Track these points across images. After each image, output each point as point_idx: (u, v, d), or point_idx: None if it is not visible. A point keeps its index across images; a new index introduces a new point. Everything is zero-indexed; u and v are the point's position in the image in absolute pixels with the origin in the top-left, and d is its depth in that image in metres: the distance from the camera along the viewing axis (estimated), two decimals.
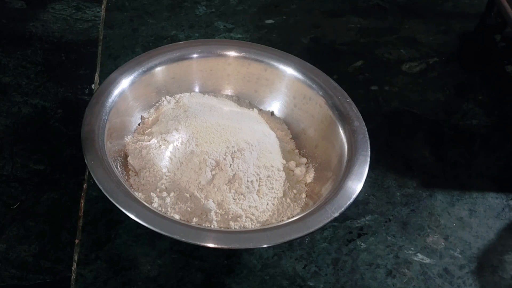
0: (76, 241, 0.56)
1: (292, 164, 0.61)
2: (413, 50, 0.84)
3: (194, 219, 0.53)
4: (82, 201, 0.59)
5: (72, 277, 0.54)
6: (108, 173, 0.52)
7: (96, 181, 0.51)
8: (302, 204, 0.58)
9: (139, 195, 0.55)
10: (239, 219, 0.54)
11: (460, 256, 0.59)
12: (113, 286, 0.53)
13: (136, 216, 0.49)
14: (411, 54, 0.83)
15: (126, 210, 0.49)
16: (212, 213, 0.54)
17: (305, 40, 0.83)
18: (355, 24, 0.87)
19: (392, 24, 0.88)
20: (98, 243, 0.56)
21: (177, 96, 0.66)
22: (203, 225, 0.53)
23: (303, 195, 0.59)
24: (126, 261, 0.55)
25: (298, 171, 0.61)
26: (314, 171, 0.61)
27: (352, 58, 0.81)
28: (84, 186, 0.61)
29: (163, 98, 0.65)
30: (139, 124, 0.63)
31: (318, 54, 0.81)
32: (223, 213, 0.54)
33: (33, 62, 0.79)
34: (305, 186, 0.60)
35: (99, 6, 0.87)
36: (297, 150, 0.64)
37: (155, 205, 0.54)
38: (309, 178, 0.61)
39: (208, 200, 0.54)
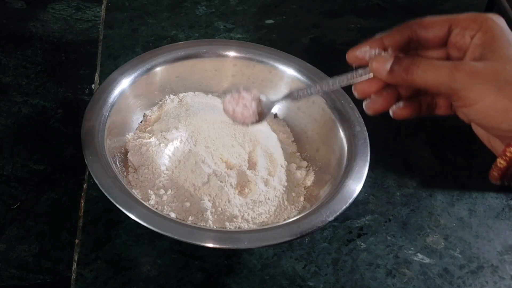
0: (76, 241, 0.56)
1: (292, 166, 0.61)
2: None
3: (190, 218, 0.53)
4: (82, 201, 0.60)
5: (72, 277, 0.54)
6: (105, 169, 0.52)
7: (93, 176, 0.51)
8: (300, 207, 0.58)
9: (136, 192, 0.55)
10: (234, 219, 0.54)
11: (460, 256, 0.59)
12: (113, 286, 0.53)
13: (135, 215, 0.49)
14: None
15: (124, 208, 0.49)
16: (208, 213, 0.53)
17: (305, 40, 0.83)
18: (355, 24, 0.87)
19: (392, 24, 0.88)
20: (98, 243, 0.56)
21: (181, 95, 0.66)
22: (199, 224, 0.53)
23: (301, 198, 0.59)
24: (126, 261, 0.55)
25: (299, 174, 0.61)
26: (314, 174, 0.61)
27: None
28: (84, 186, 0.61)
29: (167, 97, 0.65)
30: (141, 122, 0.64)
31: (318, 54, 0.81)
32: (219, 213, 0.54)
33: (33, 62, 0.79)
34: (304, 189, 0.60)
35: (99, 6, 0.87)
36: (299, 153, 0.64)
37: (151, 202, 0.54)
38: (309, 181, 0.61)
39: (204, 199, 0.54)
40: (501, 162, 0.43)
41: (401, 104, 0.48)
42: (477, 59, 0.42)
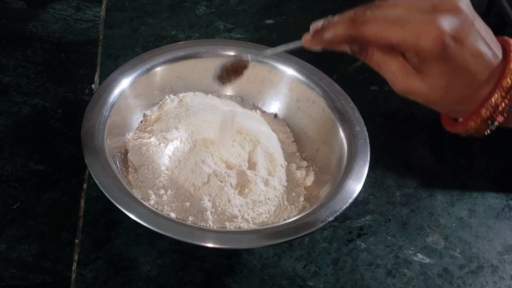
0: (76, 241, 0.56)
1: (292, 166, 0.61)
2: None
3: (190, 218, 0.53)
4: (82, 201, 0.60)
5: (72, 277, 0.54)
6: (105, 169, 0.52)
7: (93, 176, 0.51)
8: (300, 207, 0.58)
9: (136, 192, 0.55)
10: (234, 219, 0.54)
11: (460, 256, 0.59)
12: (113, 286, 0.53)
13: (135, 215, 0.49)
14: None
15: (124, 208, 0.49)
16: (208, 213, 0.53)
17: None
18: None
19: None
20: (98, 243, 0.56)
21: (181, 95, 0.66)
22: (199, 224, 0.53)
23: (301, 198, 0.59)
24: (126, 261, 0.55)
25: (299, 174, 0.61)
26: (314, 174, 0.61)
27: (352, 58, 0.80)
28: (84, 186, 0.61)
29: (167, 97, 0.65)
30: (141, 122, 0.64)
31: (318, 54, 0.81)
32: (219, 213, 0.54)
33: (33, 62, 0.79)
34: (304, 189, 0.60)
35: (99, 6, 0.87)
36: (299, 153, 0.64)
37: (151, 202, 0.54)
38: (309, 181, 0.61)
39: (204, 199, 0.54)
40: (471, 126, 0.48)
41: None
42: (416, 67, 0.44)
